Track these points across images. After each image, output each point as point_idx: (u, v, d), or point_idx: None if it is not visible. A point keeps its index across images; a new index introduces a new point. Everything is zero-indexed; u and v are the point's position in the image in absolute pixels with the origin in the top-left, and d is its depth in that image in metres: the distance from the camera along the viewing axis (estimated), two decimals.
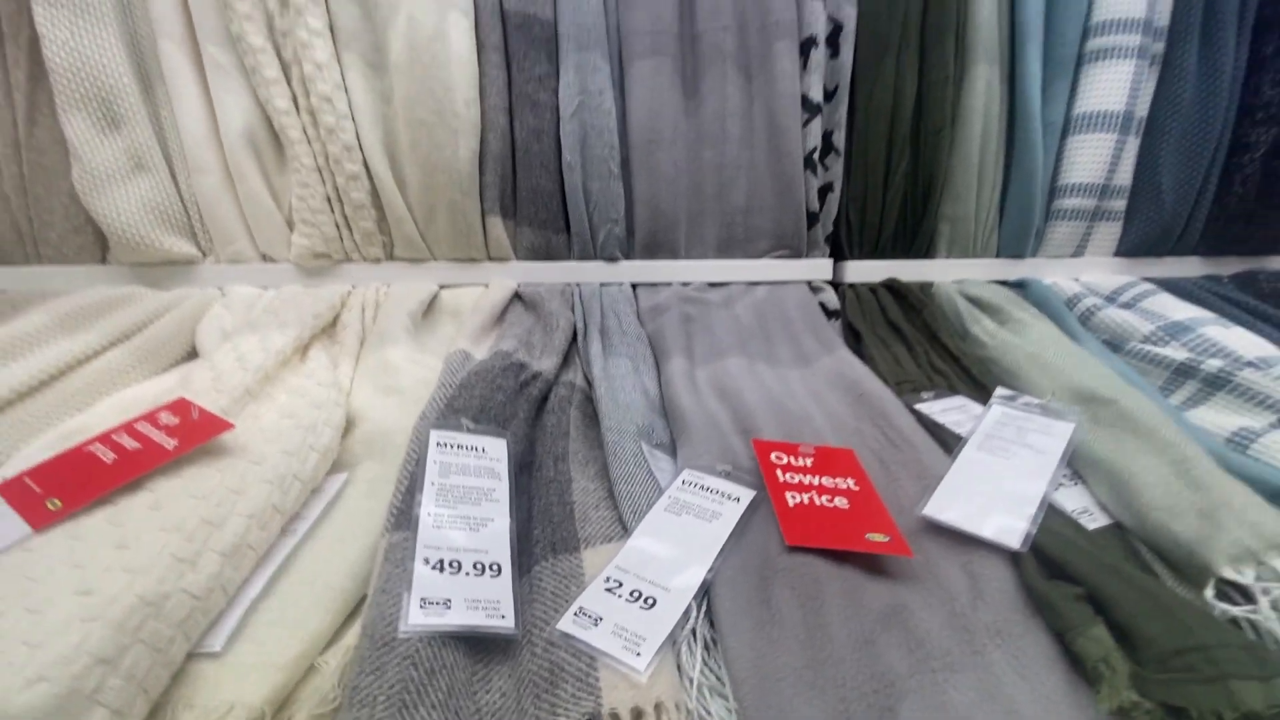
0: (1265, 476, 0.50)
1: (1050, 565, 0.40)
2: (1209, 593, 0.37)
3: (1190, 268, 0.86)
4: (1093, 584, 0.37)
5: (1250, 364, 0.62)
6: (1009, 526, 0.42)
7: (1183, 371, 0.64)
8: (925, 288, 0.79)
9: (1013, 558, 0.41)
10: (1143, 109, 0.79)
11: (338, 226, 0.73)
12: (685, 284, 0.80)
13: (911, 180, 0.78)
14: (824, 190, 0.80)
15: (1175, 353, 0.66)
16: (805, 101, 0.75)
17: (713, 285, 0.81)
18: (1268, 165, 0.80)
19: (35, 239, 0.72)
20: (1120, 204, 0.82)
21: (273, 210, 0.73)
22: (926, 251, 0.82)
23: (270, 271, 0.75)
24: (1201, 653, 0.32)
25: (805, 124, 0.76)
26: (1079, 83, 0.78)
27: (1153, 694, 0.32)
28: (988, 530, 0.42)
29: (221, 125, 0.69)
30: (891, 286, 0.79)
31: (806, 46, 0.74)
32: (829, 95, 0.77)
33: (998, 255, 0.84)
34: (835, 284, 0.83)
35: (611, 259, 0.78)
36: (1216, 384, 0.62)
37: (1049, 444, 0.49)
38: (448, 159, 0.70)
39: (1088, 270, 0.84)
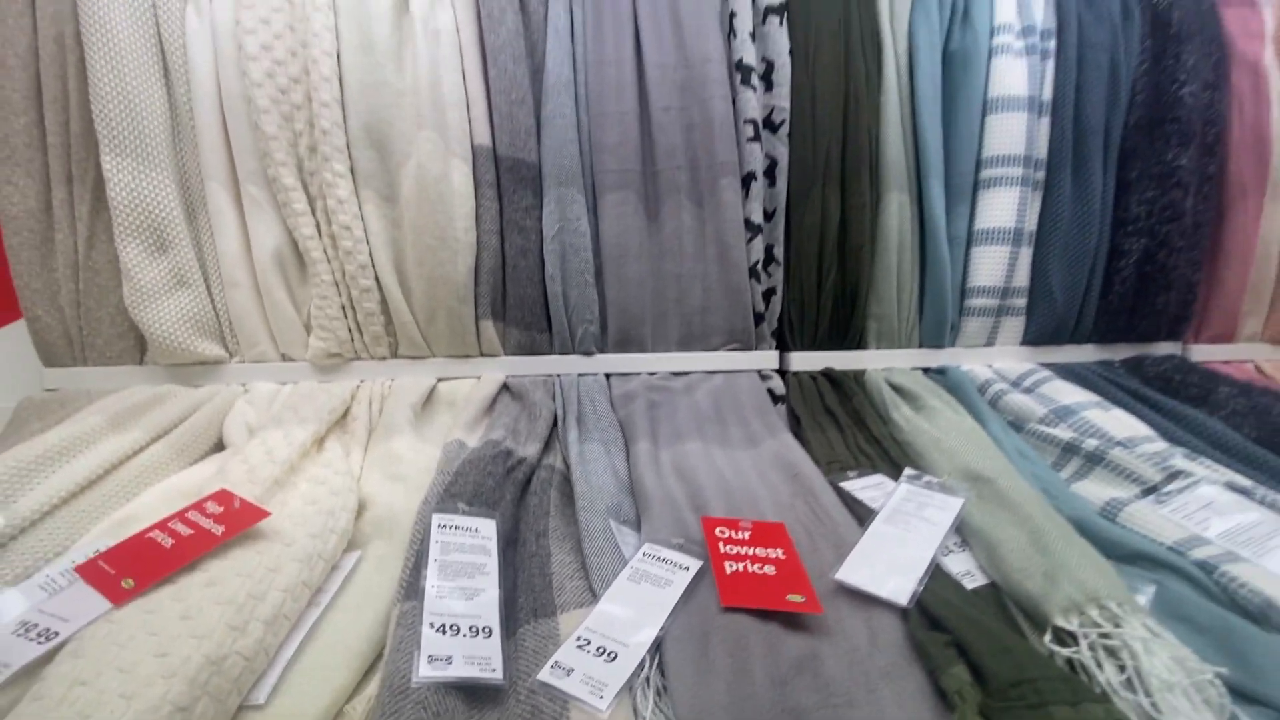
0: (1126, 540, 0.62)
1: (930, 617, 0.50)
2: (1047, 638, 0.47)
3: (1087, 354, 1.00)
4: (957, 632, 0.47)
5: (1120, 443, 0.75)
6: (901, 587, 0.52)
7: (1069, 449, 0.77)
8: (858, 375, 0.92)
9: (903, 612, 0.51)
10: (1030, 225, 0.94)
11: (350, 330, 0.85)
12: (652, 373, 0.92)
13: (840, 285, 0.92)
14: (768, 293, 0.94)
15: (1063, 433, 0.78)
16: (748, 223, 0.90)
17: (676, 374, 0.92)
18: (1141, 270, 0.96)
19: (84, 344, 0.82)
20: (1021, 302, 0.97)
21: (293, 317, 0.84)
22: (859, 343, 0.96)
23: (288, 369, 0.86)
24: (1030, 684, 0.42)
25: (749, 241, 0.90)
26: (976, 204, 0.94)
27: (994, 718, 0.42)
28: (884, 590, 0.52)
29: (254, 248, 0.82)
30: (829, 375, 0.92)
31: (747, 180, 0.89)
32: (769, 216, 0.92)
33: (920, 346, 0.97)
34: (782, 372, 0.95)
35: (588, 353, 0.91)
36: (1094, 460, 0.74)
37: (941, 517, 0.60)
38: (448, 274, 0.82)
39: (999, 358, 0.98)
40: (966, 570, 0.57)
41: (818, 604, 0.51)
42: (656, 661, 0.49)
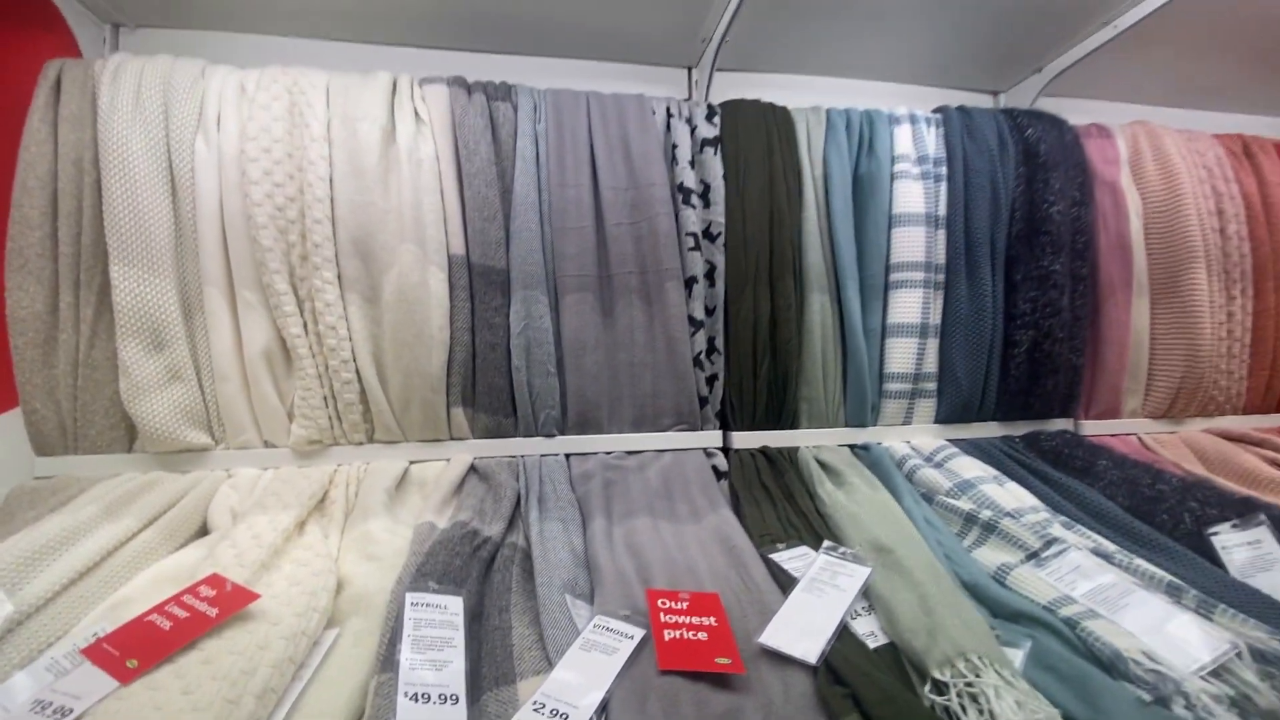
0: (1011, 601, 0.72)
1: (834, 674, 0.59)
2: (927, 688, 0.57)
3: (991, 430, 1.14)
4: (854, 685, 0.56)
5: (1009, 514, 0.87)
6: (811, 648, 0.61)
7: (969, 519, 0.88)
8: (792, 452, 1.03)
9: (813, 670, 0.60)
10: (935, 319, 1.09)
11: (330, 419, 0.93)
12: (609, 453, 1.01)
13: (773, 372, 1.04)
14: (711, 379, 1.05)
15: (965, 504, 0.90)
16: (691, 319, 1.02)
17: (630, 453, 1.02)
18: (1031, 357, 1.11)
19: (77, 434, 0.88)
20: (931, 385, 1.11)
21: (278, 407, 0.92)
22: (793, 423, 1.07)
23: (270, 455, 0.93)
24: None
25: (692, 334, 1.02)
26: (888, 303, 1.09)
27: None
28: (797, 651, 0.61)
29: (245, 345, 0.90)
30: (765, 452, 1.03)
31: (690, 282, 1.02)
32: (710, 313, 1.05)
33: (847, 425, 1.09)
34: (725, 449, 1.06)
35: (549, 435, 1.00)
36: (989, 529, 0.86)
37: (850, 584, 0.70)
38: (423, 367, 0.92)
39: (915, 435, 1.11)
40: (870, 631, 0.67)
41: (741, 665, 0.60)
42: (603, 718, 0.56)
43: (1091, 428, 1.18)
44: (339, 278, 0.91)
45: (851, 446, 1.08)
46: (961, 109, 1.15)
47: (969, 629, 0.61)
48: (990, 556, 0.83)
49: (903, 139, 1.11)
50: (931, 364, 1.10)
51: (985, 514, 0.86)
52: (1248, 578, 0.78)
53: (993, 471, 0.98)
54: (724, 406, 1.06)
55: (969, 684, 0.54)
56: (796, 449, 1.04)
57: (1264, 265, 1.23)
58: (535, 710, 0.56)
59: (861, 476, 0.95)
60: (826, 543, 0.78)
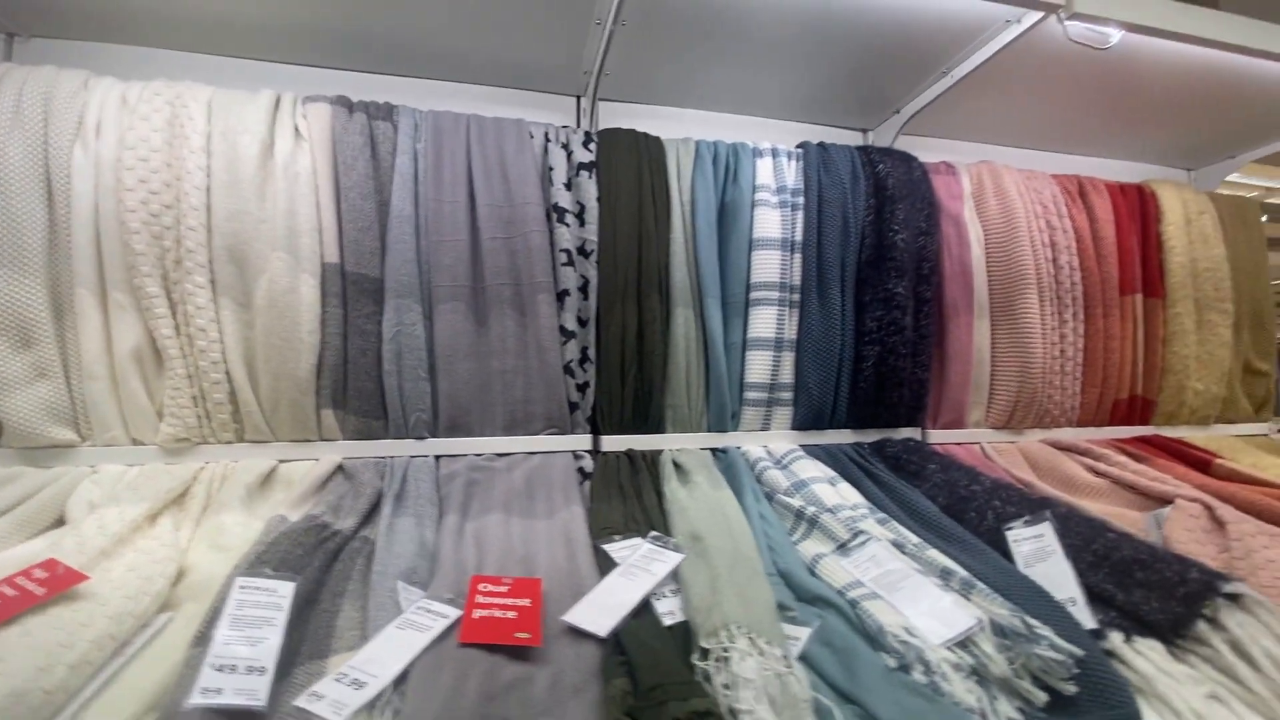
0: (812, 585, 0.81)
1: (619, 645, 0.66)
2: (695, 656, 0.64)
3: (845, 437, 1.24)
4: (631, 654, 0.63)
5: (829, 510, 0.96)
6: (605, 624, 0.68)
7: (799, 515, 0.97)
8: (655, 455, 1.10)
9: (603, 642, 0.67)
10: (790, 334, 1.19)
11: (199, 418, 0.96)
12: (479, 455, 1.07)
13: (640, 381, 1.12)
14: (583, 386, 1.12)
15: (796, 502, 0.99)
16: (562, 330, 1.09)
17: (501, 455, 1.08)
18: (878, 371, 1.21)
19: None
20: (787, 395, 1.20)
21: (147, 406, 0.95)
22: (658, 428, 1.15)
23: (138, 452, 0.96)
24: (661, 688, 0.58)
25: (564, 344, 1.09)
26: (748, 319, 1.18)
27: (634, 713, 0.57)
28: (593, 626, 0.68)
29: (115, 344, 0.94)
30: (629, 454, 1.10)
31: (561, 295, 1.10)
32: (584, 324, 1.12)
33: (709, 430, 1.18)
34: (595, 452, 1.13)
35: (420, 437, 1.05)
36: (812, 523, 0.94)
37: (661, 569, 0.77)
38: (291, 370, 0.96)
39: (773, 440, 1.20)
40: (670, 610, 0.74)
41: (539, 639, 0.66)
42: (400, 687, 0.62)
43: (938, 436, 1.29)
44: (213, 283, 0.96)
45: (713, 450, 1.16)
46: (820, 145, 1.26)
47: (744, 605, 0.68)
48: (810, 548, 0.91)
49: (764, 170, 1.21)
50: (787, 375, 1.19)
51: (810, 510, 0.95)
52: (1029, 567, 0.88)
53: (830, 473, 1.07)
54: (594, 412, 1.13)
55: (725, 650, 0.62)
56: (660, 451, 1.11)
57: (1093, 293, 1.37)
58: (336, 680, 0.61)
59: (709, 476, 1.03)
60: (653, 533, 0.86)
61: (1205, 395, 1.45)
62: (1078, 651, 0.68)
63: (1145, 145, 1.63)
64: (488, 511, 0.93)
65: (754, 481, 1.07)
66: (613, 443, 1.13)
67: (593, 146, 1.15)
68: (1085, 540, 0.87)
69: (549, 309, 1.08)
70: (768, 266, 1.17)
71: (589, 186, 1.13)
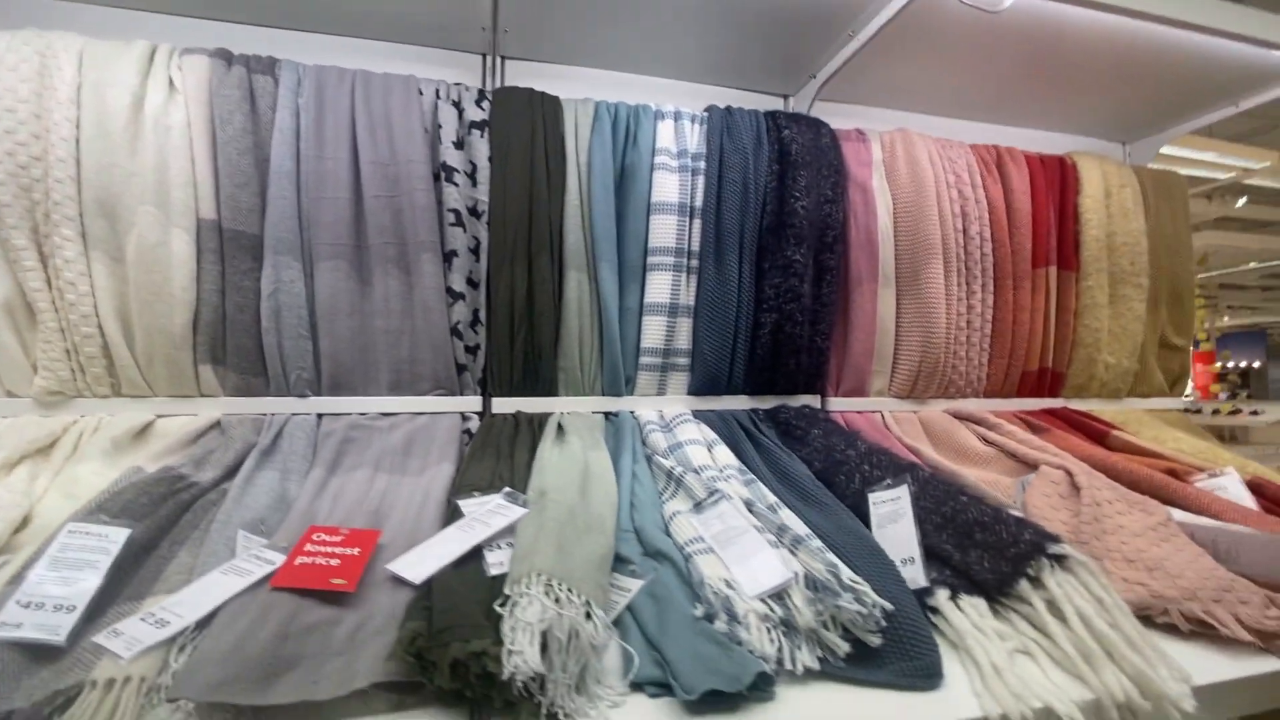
0: (656, 540, 0.82)
1: (429, 591, 0.67)
2: (498, 602, 0.65)
3: (741, 403, 1.24)
4: (436, 598, 0.65)
5: (695, 470, 0.97)
6: (423, 572, 0.69)
7: (669, 475, 0.98)
8: (544, 417, 1.11)
9: (416, 589, 0.68)
10: (686, 300, 1.19)
11: (73, 371, 0.97)
12: (363, 414, 1.08)
13: (530, 343, 1.12)
14: (474, 349, 1.13)
15: (668, 463, 1.00)
16: (450, 291, 1.09)
17: (386, 415, 1.09)
18: (775, 338, 1.22)
19: None
20: (684, 361, 1.21)
21: (21, 359, 0.96)
22: (550, 391, 1.16)
23: (13, 404, 0.96)
24: (449, 630, 0.60)
25: (451, 305, 1.09)
26: (645, 283, 1.18)
27: (420, 654, 0.59)
28: (409, 575, 0.69)
29: None
30: (516, 416, 1.11)
31: (449, 256, 1.09)
32: (475, 286, 1.12)
33: (603, 395, 1.18)
34: (486, 414, 1.14)
35: (302, 395, 1.06)
36: (678, 483, 0.95)
37: (500, 522, 0.79)
38: (164, 325, 0.97)
39: (669, 405, 1.20)
40: (501, 561, 0.75)
41: (353, 586, 0.67)
42: (204, 629, 0.63)
43: (840, 404, 1.30)
44: (84, 236, 0.95)
45: (607, 414, 1.17)
46: (727, 109, 1.25)
47: (560, 556, 0.69)
48: (674, 506, 0.93)
49: (665, 133, 1.20)
50: (683, 341, 1.20)
51: (678, 470, 0.96)
52: (881, 528, 0.89)
53: (711, 437, 1.08)
54: (485, 374, 1.14)
55: (521, 594, 0.63)
56: (550, 414, 1.12)
57: (1004, 265, 1.36)
58: (141, 619, 0.63)
59: (588, 438, 1.03)
60: (506, 489, 0.87)
61: (1116, 369, 1.46)
62: (887, 606, 0.69)
63: (1078, 117, 1.61)
64: (357, 468, 0.94)
65: (638, 443, 1.08)
66: (503, 405, 1.14)
67: (486, 105, 1.14)
68: (937, 503, 0.89)
69: (434, 269, 1.08)
70: (665, 231, 1.17)
71: (481, 146, 1.12)
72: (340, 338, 1.06)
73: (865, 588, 0.71)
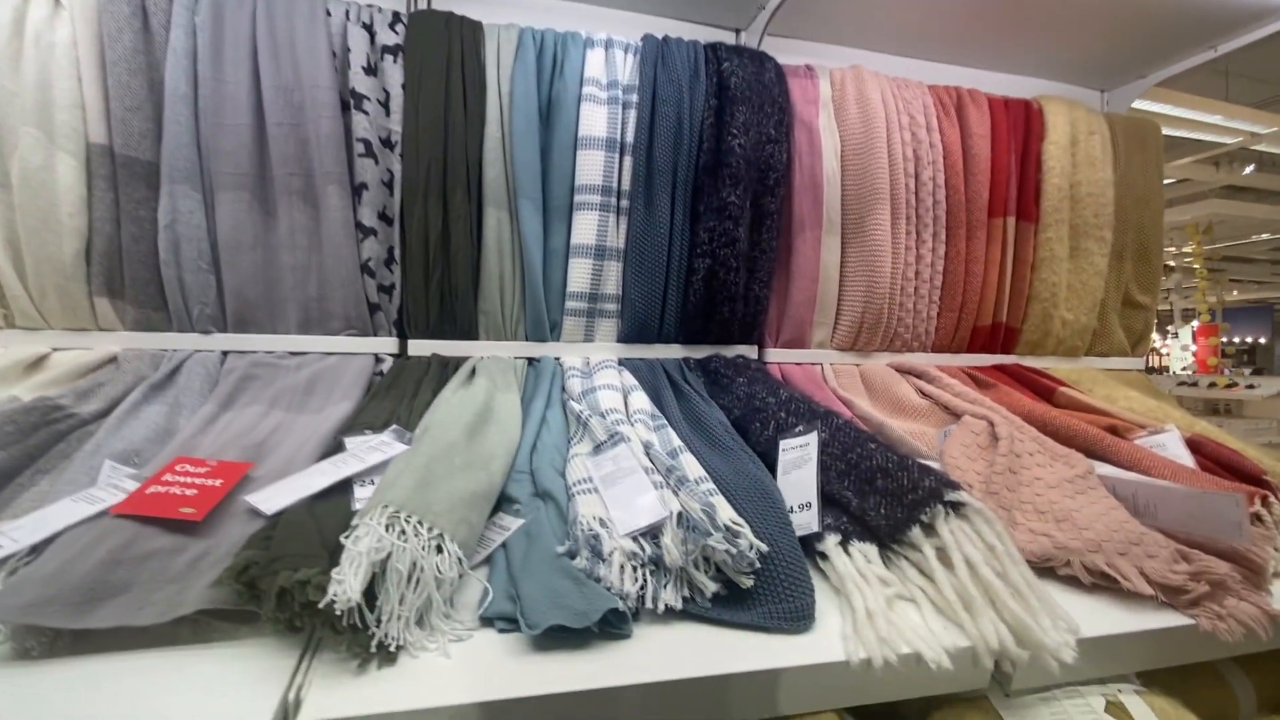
0: (544, 481, 0.80)
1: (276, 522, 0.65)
2: (344, 534, 0.63)
3: (674, 351, 1.20)
4: (280, 529, 0.62)
5: (601, 414, 0.93)
6: (276, 504, 0.67)
7: (578, 419, 0.95)
8: (461, 360, 1.08)
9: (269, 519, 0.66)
10: (614, 243, 1.14)
11: None
12: (270, 352, 1.05)
13: (446, 284, 1.08)
14: (389, 288, 1.09)
15: (578, 407, 0.96)
16: (360, 226, 1.05)
17: (295, 354, 1.06)
18: (709, 285, 1.17)
19: None
20: (612, 307, 1.16)
21: None
22: (469, 334, 1.12)
23: None
24: (283, 559, 0.57)
25: (361, 241, 1.05)
26: (571, 224, 1.13)
27: (252, 582, 0.56)
28: (264, 507, 0.67)
29: None
30: (431, 358, 1.08)
31: (359, 189, 1.04)
32: (390, 221, 1.08)
33: (527, 340, 1.15)
34: (403, 357, 1.10)
35: (206, 332, 1.03)
36: (584, 427, 0.92)
37: (375, 457, 0.76)
38: (53, 254, 0.93)
39: (596, 352, 1.17)
40: (364, 497, 0.72)
41: (201, 516, 0.65)
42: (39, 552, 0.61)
43: (778, 356, 1.26)
44: None
45: (531, 360, 1.14)
46: (664, 39, 1.18)
47: (420, 490, 0.66)
48: (578, 450, 0.90)
49: (594, 63, 1.13)
50: (612, 285, 1.15)
51: (586, 413, 0.93)
52: (786, 474, 0.86)
53: (631, 383, 1.05)
54: (400, 315, 1.10)
55: (364, 526, 0.60)
56: (467, 358, 1.09)
57: (957, 212, 1.30)
58: None
59: (499, 381, 1.00)
60: (394, 427, 0.84)
61: (1074, 326, 1.41)
62: (762, 547, 0.67)
63: (1054, 61, 1.52)
64: (252, 404, 0.92)
65: (556, 388, 1.05)
66: (420, 348, 1.10)
67: (400, 28, 1.08)
68: (844, 450, 0.85)
69: (341, 202, 1.03)
70: (592, 168, 1.11)
71: (394, 72, 1.06)
72: (244, 272, 1.02)
73: (744, 529, 0.68)
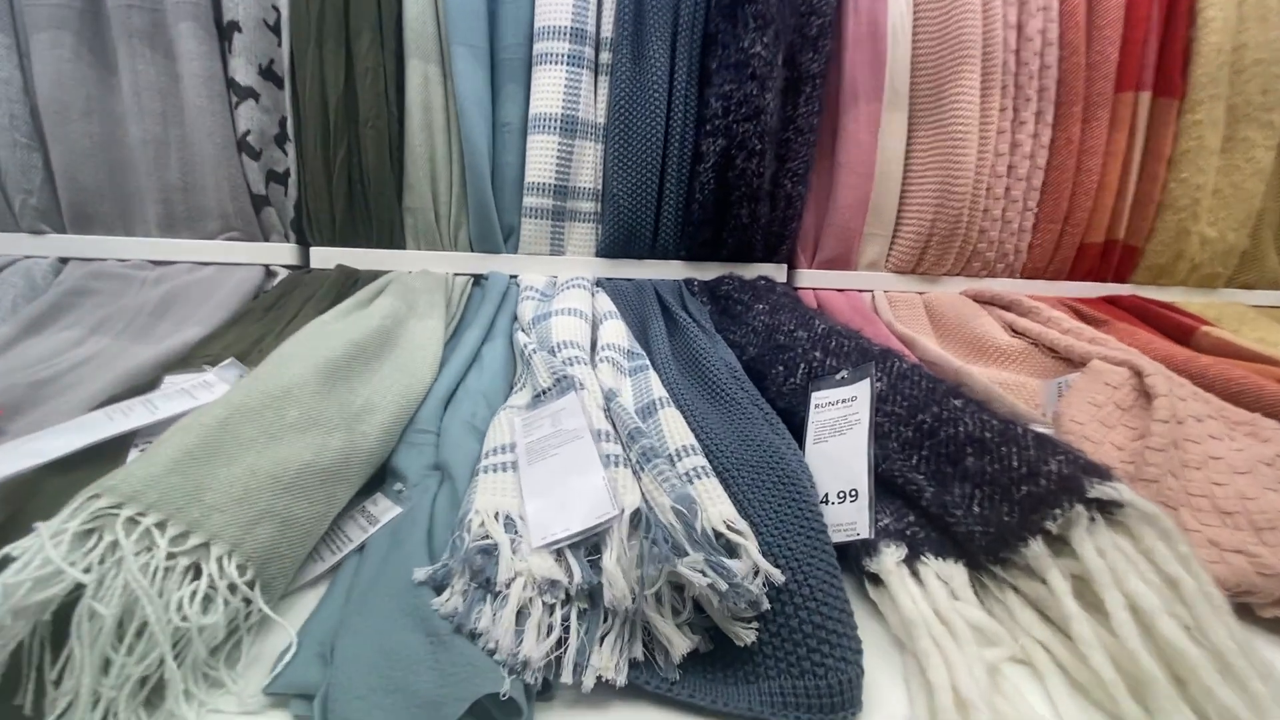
0: (448, 451, 0.53)
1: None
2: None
3: (674, 271, 0.90)
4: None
5: (552, 349, 0.65)
6: (71, 446, 0.42)
7: (521, 355, 0.67)
8: (376, 275, 0.80)
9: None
10: (589, 114, 0.83)
11: None
12: (124, 260, 0.78)
13: (354, 168, 0.79)
14: (282, 175, 0.80)
15: (524, 338, 0.68)
16: (233, 84, 0.75)
17: (159, 263, 0.79)
18: (720, 177, 0.85)
19: None
20: (588, 206, 0.86)
21: None
22: (393, 241, 0.83)
23: None
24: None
25: (235, 105, 0.76)
26: (530, 86, 0.81)
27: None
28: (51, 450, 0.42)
29: None
30: (336, 271, 0.80)
31: (229, 30, 0.75)
32: (279, 80, 0.78)
33: (473, 250, 0.85)
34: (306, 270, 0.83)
35: (36, 231, 0.76)
36: (527, 364, 0.64)
37: (171, 407, 0.49)
38: None
39: (569, 269, 0.87)
40: None
41: None
42: None
43: (814, 278, 0.95)
44: None
45: (478, 279, 0.85)
46: None
47: (170, 471, 0.38)
48: (519, 399, 0.62)
49: None
50: (587, 175, 0.84)
51: (530, 349, 0.65)
52: (819, 443, 0.57)
53: (607, 308, 0.75)
54: (299, 213, 0.82)
55: (52, 529, 0.34)
56: (387, 271, 0.80)
57: (1073, 83, 0.94)
58: None
59: (418, 303, 0.72)
60: (229, 360, 0.57)
61: (1217, 246, 1.05)
62: (774, 575, 0.38)
63: None
64: (70, 328, 0.66)
65: (505, 316, 0.77)
66: (327, 259, 0.82)
67: None
68: (913, 409, 0.55)
69: (202, 48, 0.74)
70: (557, 3, 0.78)
71: None
72: (77, 149, 0.74)
73: (745, 540, 0.39)
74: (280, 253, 0.81)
